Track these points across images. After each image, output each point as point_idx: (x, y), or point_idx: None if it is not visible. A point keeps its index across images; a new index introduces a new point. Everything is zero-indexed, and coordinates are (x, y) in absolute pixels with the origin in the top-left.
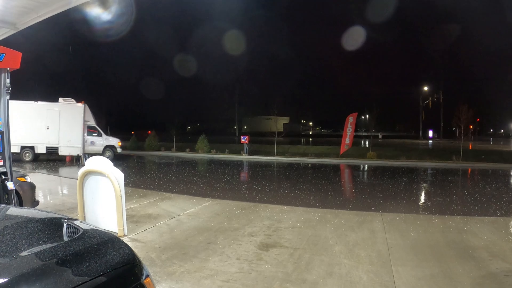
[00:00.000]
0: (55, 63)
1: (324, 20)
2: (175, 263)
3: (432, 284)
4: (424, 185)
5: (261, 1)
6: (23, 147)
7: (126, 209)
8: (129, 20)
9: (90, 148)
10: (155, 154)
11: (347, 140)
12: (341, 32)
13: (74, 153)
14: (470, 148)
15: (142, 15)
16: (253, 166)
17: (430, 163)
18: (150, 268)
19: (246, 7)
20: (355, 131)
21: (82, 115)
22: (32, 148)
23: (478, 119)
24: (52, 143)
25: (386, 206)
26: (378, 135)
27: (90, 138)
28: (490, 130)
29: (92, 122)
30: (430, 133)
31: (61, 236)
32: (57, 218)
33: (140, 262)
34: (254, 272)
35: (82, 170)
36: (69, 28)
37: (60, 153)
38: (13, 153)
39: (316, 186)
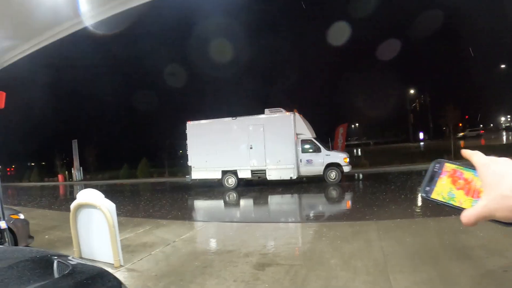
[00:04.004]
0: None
1: (304, 26)
2: None
3: (430, 287)
4: (418, 188)
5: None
6: (224, 172)
7: (121, 239)
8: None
9: (306, 169)
10: (148, 181)
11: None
12: (322, 37)
13: (286, 176)
14: (462, 146)
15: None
16: (245, 185)
17: (422, 165)
18: None
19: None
20: (346, 140)
21: (292, 127)
22: (234, 172)
23: (467, 116)
24: (258, 166)
25: (381, 213)
26: (369, 142)
27: (305, 156)
28: (480, 126)
29: (307, 135)
30: (421, 135)
31: (51, 274)
32: (48, 255)
33: None
34: None
35: (74, 204)
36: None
37: (268, 177)
38: (215, 179)
39: (309, 199)
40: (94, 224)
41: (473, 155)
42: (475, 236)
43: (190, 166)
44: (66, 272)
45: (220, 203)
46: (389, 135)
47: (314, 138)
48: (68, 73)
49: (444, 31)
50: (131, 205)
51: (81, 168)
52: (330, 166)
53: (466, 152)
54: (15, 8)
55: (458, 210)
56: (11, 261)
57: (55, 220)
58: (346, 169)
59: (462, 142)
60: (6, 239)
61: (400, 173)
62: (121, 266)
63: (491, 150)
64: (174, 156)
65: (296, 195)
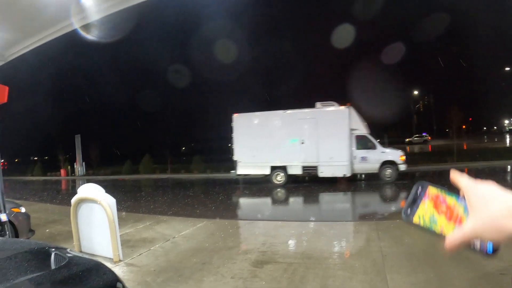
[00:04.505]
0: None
1: (313, 25)
2: (171, 286)
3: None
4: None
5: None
6: (273, 168)
7: (121, 234)
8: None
9: (361, 166)
10: (151, 177)
11: None
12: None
13: (339, 173)
14: (465, 147)
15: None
16: (247, 183)
17: (425, 166)
18: None
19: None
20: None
21: (347, 122)
22: (284, 168)
23: (470, 118)
24: (309, 162)
25: (381, 212)
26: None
27: (360, 153)
28: (484, 128)
29: (361, 130)
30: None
31: (48, 265)
32: (46, 247)
33: (124, 286)
34: None
35: (74, 198)
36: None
37: (320, 174)
38: (263, 175)
39: (312, 199)
40: (95, 218)
41: (461, 179)
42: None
43: (236, 160)
44: (63, 264)
45: (268, 200)
46: (393, 135)
47: (369, 134)
48: (73, 69)
49: (450, 33)
50: (132, 200)
51: (83, 163)
52: (386, 164)
53: (453, 176)
54: (23, 2)
55: (439, 237)
56: (10, 252)
57: (56, 214)
58: (402, 167)
59: (407, 148)
60: (7, 232)
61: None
62: (120, 260)
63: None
64: (177, 152)
65: (349, 193)
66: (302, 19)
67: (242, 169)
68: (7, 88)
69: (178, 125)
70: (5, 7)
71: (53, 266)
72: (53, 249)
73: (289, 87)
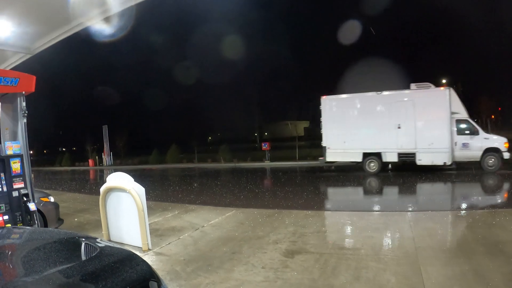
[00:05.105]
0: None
1: (331, 24)
2: (200, 275)
3: (463, 282)
4: (449, 179)
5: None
6: (366, 155)
7: (150, 223)
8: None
9: (461, 153)
10: (178, 166)
11: None
12: (349, 30)
13: (439, 161)
14: None
15: (143, 26)
16: (276, 172)
17: None
18: (175, 281)
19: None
20: None
21: (448, 105)
22: (378, 155)
23: (500, 108)
24: (406, 148)
25: (414, 203)
26: None
27: (460, 139)
28: None
29: (463, 114)
30: None
31: (79, 256)
32: (75, 237)
33: (159, 279)
34: (280, 280)
35: (103, 187)
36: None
37: (418, 162)
38: (355, 162)
39: (341, 188)
40: (123, 207)
41: None
42: (509, 231)
43: (324, 147)
44: (94, 254)
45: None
46: None
47: (470, 118)
48: (101, 60)
49: (481, 19)
50: (159, 189)
51: (111, 153)
52: (488, 151)
53: None
54: None
55: None
56: (38, 242)
57: (84, 203)
58: (506, 155)
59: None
60: (36, 221)
61: None
62: (149, 249)
63: None
64: (204, 142)
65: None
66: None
67: (331, 156)
68: (34, 78)
69: (205, 115)
70: (32, 1)
71: (83, 257)
72: (83, 239)
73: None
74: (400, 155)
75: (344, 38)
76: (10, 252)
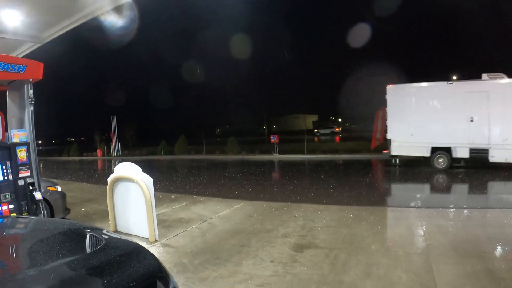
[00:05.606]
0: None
1: (343, 21)
2: (208, 268)
3: (475, 281)
4: (458, 172)
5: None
6: (434, 149)
7: (157, 214)
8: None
9: None
10: (186, 158)
11: (378, 134)
12: (364, 27)
13: None
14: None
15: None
16: (284, 165)
17: None
18: (182, 274)
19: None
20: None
21: None
22: (448, 150)
23: None
24: (478, 143)
25: (422, 199)
26: None
27: None
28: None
29: None
30: None
31: (83, 248)
32: (81, 228)
33: (167, 273)
34: (289, 275)
35: (111, 177)
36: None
37: (490, 159)
38: (422, 157)
39: (349, 183)
40: (131, 198)
41: None
42: None
43: (389, 139)
44: (99, 247)
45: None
46: None
47: None
48: (113, 52)
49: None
50: (167, 180)
51: (119, 143)
52: None
53: None
54: None
55: None
56: (42, 233)
57: (92, 193)
58: None
59: (316, 138)
60: (42, 211)
61: None
62: (156, 241)
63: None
64: (212, 134)
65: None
66: None
67: (397, 150)
68: (42, 65)
69: (214, 108)
70: None
71: (88, 250)
72: (88, 230)
73: None
74: (472, 150)
75: (353, 36)
76: (12, 244)
